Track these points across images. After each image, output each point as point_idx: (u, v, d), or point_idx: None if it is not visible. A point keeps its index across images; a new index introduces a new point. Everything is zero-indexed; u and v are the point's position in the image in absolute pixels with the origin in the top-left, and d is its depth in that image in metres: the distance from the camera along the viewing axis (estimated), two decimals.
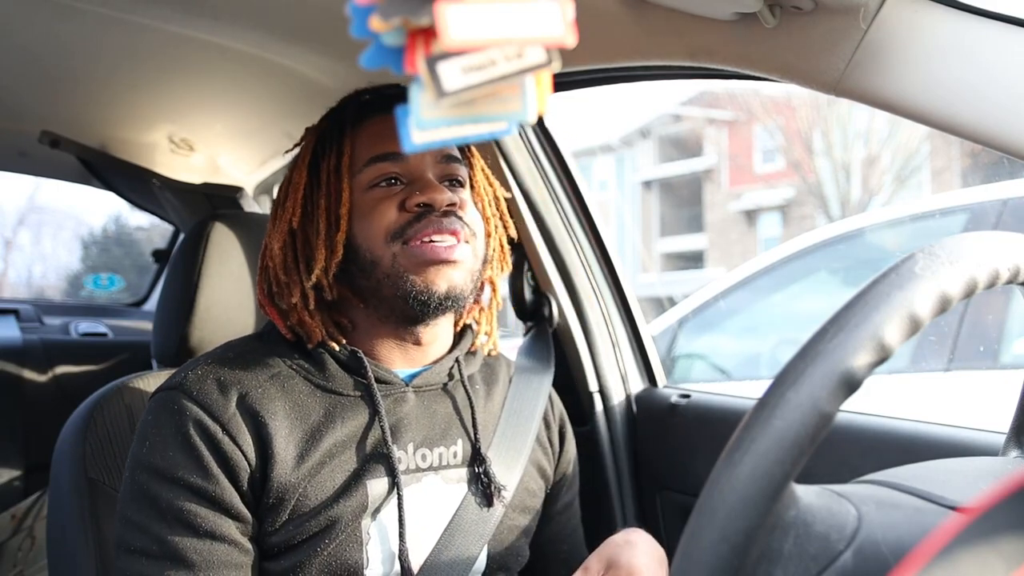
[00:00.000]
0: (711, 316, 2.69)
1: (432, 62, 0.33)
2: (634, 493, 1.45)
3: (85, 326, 2.47)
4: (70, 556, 0.99)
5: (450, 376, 0.98)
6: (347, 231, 0.91)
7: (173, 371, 1.14)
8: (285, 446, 0.84)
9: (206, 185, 1.93)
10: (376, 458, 0.89)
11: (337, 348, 0.92)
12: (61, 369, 2.17)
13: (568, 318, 1.48)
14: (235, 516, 0.83)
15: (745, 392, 1.43)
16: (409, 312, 0.90)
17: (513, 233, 1.06)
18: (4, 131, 1.78)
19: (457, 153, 0.97)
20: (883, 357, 0.46)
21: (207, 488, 0.81)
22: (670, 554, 1.02)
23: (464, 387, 0.98)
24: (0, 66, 1.41)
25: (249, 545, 0.84)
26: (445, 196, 0.89)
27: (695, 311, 2.64)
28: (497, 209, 1.04)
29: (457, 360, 0.99)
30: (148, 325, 2.59)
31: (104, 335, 2.47)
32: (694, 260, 19.79)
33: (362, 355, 0.91)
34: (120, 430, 1.05)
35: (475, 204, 0.98)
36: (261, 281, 0.96)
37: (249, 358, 0.91)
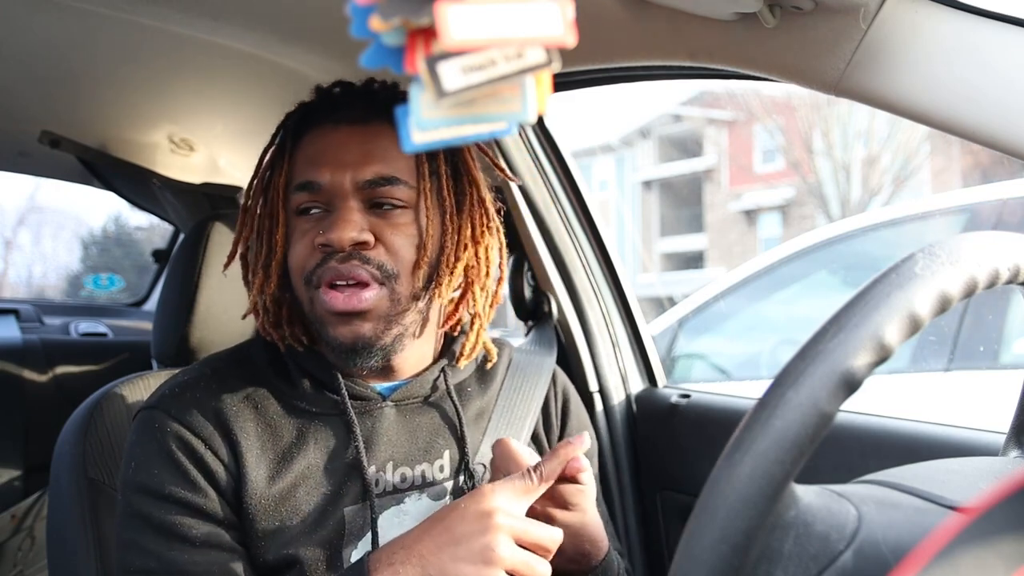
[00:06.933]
0: (711, 316, 2.69)
1: (432, 62, 0.33)
2: (634, 493, 1.45)
3: (85, 326, 2.46)
4: (70, 556, 0.99)
5: (434, 387, 0.92)
6: (282, 259, 0.86)
7: (174, 371, 1.15)
8: (256, 466, 0.82)
9: (206, 185, 1.93)
10: (352, 480, 0.85)
11: (311, 365, 0.88)
12: (61, 369, 2.17)
13: (568, 318, 1.48)
14: (228, 525, 0.82)
15: (745, 392, 1.43)
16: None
17: (493, 253, 0.91)
18: (4, 131, 1.78)
19: (392, 172, 0.83)
20: (883, 357, 0.46)
21: (196, 500, 0.80)
22: (670, 554, 1.02)
23: (451, 398, 0.92)
24: (0, 66, 1.41)
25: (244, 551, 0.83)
26: (348, 235, 0.79)
27: (695, 311, 2.64)
28: (475, 227, 0.88)
29: (443, 370, 0.93)
30: (148, 325, 2.59)
31: (104, 335, 2.46)
32: (694, 260, 19.77)
33: (335, 371, 0.87)
34: (120, 430, 1.05)
35: (421, 225, 0.84)
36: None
37: (225, 374, 0.88)
